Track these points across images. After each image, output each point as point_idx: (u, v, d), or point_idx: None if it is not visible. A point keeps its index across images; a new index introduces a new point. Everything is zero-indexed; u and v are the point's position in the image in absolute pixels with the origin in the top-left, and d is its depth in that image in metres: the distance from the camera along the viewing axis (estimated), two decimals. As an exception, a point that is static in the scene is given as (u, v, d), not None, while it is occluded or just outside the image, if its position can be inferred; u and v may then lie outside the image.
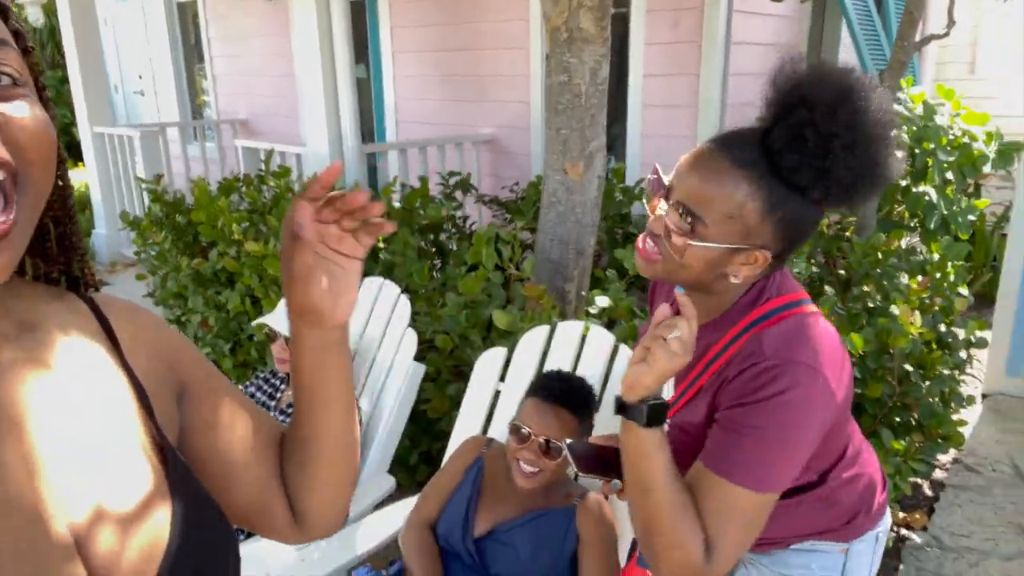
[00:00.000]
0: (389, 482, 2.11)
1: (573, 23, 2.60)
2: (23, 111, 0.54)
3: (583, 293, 2.74)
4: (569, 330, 1.96)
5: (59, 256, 0.69)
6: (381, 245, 3.44)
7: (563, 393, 1.59)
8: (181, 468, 0.64)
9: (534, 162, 4.94)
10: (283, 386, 2.27)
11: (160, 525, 0.59)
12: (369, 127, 6.05)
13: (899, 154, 0.98)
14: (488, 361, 2.02)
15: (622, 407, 1.00)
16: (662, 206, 1.03)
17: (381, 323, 2.38)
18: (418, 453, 2.68)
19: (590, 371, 1.87)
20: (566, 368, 1.90)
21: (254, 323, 2.31)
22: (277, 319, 2.16)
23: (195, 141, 7.12)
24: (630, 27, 4.30)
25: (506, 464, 1.66)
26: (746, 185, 0.96)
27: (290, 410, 2.13)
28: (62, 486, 0.56)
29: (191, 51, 7.69)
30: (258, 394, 2.27)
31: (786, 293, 1.08)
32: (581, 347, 1.93)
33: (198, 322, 3.44)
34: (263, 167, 4.05)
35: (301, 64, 4.22)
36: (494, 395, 2.01)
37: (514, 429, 1.58)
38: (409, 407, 2.22)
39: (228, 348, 3.34)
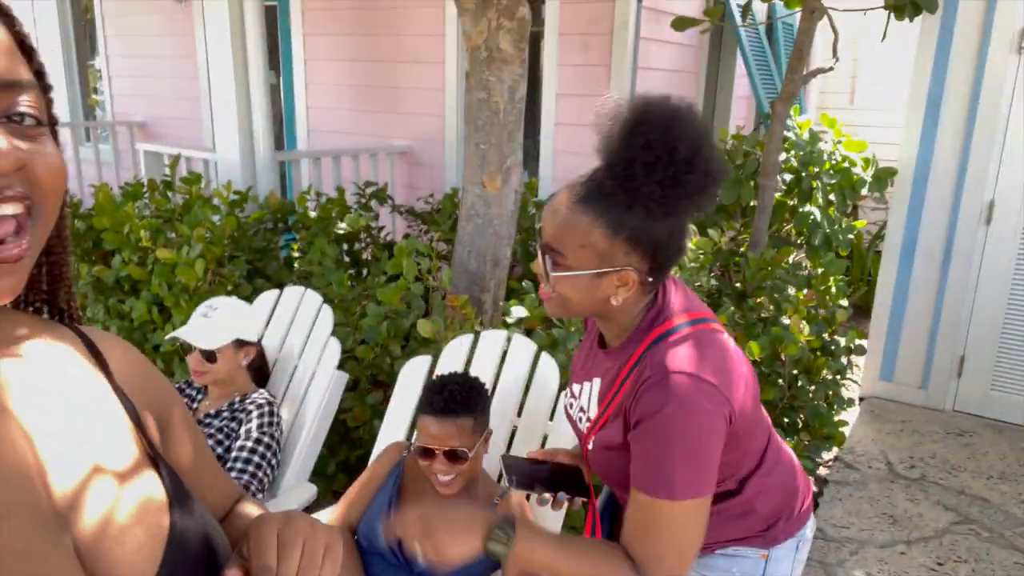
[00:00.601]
0: (310, 491, 2.12)
1: (492, 43, 2.69)
2: (45, 150, 0.58)
3: (499, 303, 2.83)
4: (492, 339, 2.04)
5: (46, 285, 0.70)
6: (297, 255, 3.42)
7: (448, 402, 1.62)
8: (176, 480, 0.66)
9: (448, 174, 5.01)
10: (199, 396, 2.24)
11: (160, 531, 0.61)
12: (279, 134, 5.95)
13: (711, 159, 1.07)
14: (413, 369, 2.08)
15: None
16: (538, 250, 1.16)
17: (303, 332, 2.38)
18: (336, 462, 2.69)
19: (513, 377, 1.96)
20: (489, 375, 1.98)
21: (167, 337, 2.26)
22: (191, 332, 2.12)
23: (88, 143, 6.77)
24: (544, 49, 4.46)
25: None
26: (587, 216, 1.09)
27: (208, 420, 2.11)
28: (60, 489, 0.57)
29: (83, 48, 7.32)
30: (174, 405, 2.22)
31: (682, 312, 1.17)
32: (504, 355, 2.02)
33: (99, 332, 3.30)
34: (168, 172, 3.93)
35: (212, 67, 4.13)
36: (418, 402, 2.06)
37: (418, 451, 1.64)
38: (331, 416, 2.23)
39: (133, 359, 3.22)
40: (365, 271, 3.62)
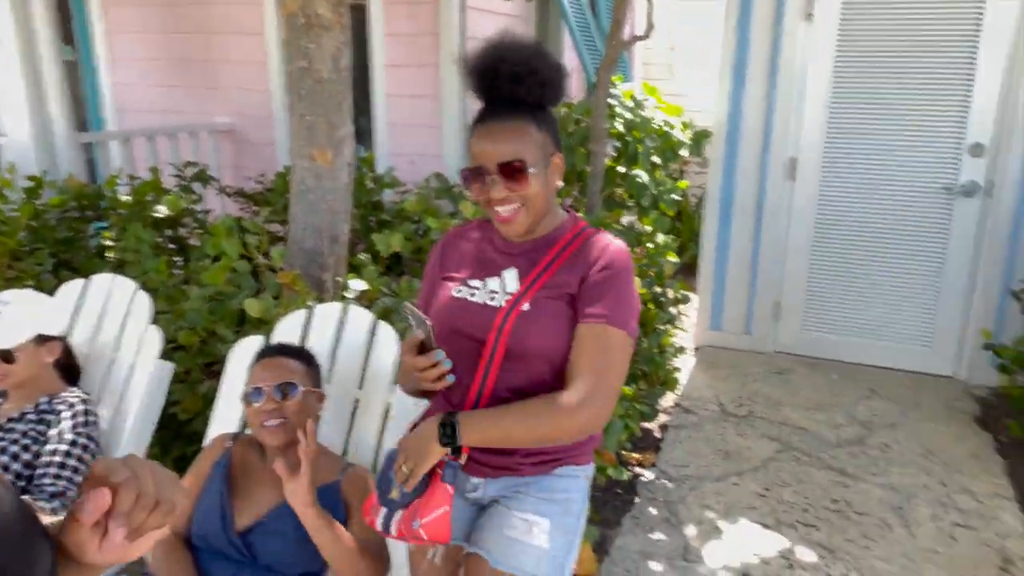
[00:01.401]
0: (139, 491, 1.96)
1: (310, 9, 2.57)
2: None
3: (339, 279, 2.74)
4: (327, 312, 1.97)
5: None
6: (110, 243, 3.13)
7: (280, 347, 1.74)
8: None
9: (279, 152, 4.78)
10: (1, 400, 2.00)
11: None
12: (82, 115, 5.40)
13: (545, 54, 1.39)
14: (243, 351, 1.96)
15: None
16: (494, 179, 1.35)
17: (116, 322, 2.19)
18: (171, 459, 2.51)
19: (352, 348, 1.91)
20: (326, 349, 1.92)
21: (-47, 337, 1.99)
22: None
23: None
24: (370, 18, 4.33)
25: (257, 452, 1.66)
26: (519, 121, 1.36)
27: (10, 425, 1.89)
28: None
29: None
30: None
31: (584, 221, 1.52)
32: (340, 328, 1.95)
33: None
34: (-52, 160, 3.47)
35: (-9, 41, 3.66)
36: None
37: (246, 396, 1.62)
38: (158, 409, 2.07)
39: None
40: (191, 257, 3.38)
